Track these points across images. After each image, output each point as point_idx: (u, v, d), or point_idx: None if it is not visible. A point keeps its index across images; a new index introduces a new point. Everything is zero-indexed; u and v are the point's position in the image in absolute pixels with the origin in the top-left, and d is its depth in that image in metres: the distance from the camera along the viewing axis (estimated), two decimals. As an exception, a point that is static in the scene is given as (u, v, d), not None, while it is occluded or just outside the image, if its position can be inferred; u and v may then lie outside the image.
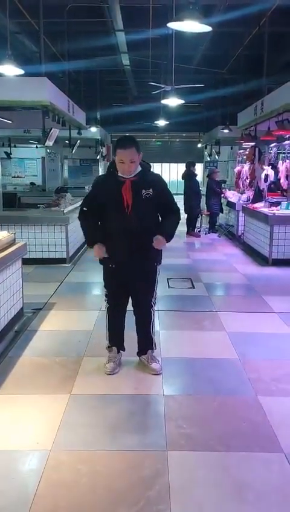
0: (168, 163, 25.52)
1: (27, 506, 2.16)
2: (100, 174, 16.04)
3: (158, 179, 3.46)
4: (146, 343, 3.62)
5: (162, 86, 10.11)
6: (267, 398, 3.15)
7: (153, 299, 3.55)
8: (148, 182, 3.30)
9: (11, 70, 5.78)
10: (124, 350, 3.66)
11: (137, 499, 2.21)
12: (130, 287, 3.51)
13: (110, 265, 3.44)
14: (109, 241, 3.36)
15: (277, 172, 9.37)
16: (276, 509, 2.19)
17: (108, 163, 18.25)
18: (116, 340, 3.62)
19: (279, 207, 7.71)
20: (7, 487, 2.30)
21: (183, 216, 10.43)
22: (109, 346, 3.63)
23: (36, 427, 2.82)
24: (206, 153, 16.90)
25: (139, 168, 3.30)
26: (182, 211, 10.28)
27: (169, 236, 3.37)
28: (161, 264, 3.55)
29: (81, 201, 3.61)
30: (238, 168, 11.81)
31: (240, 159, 11.95)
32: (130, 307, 3.61)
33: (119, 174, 3.27)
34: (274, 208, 7.81)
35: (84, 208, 3.45)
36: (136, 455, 2.55)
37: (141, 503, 2.18)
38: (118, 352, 3.62)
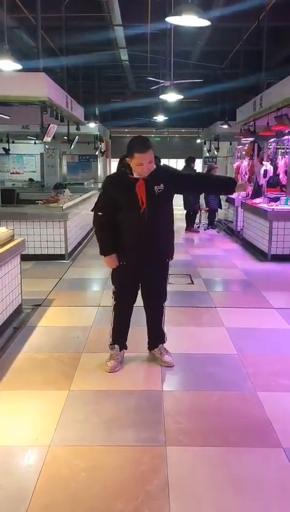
0: (167, 159, 25.47)
1: (26, 501, 2.17)
2: (99, 169, 16.02)
3: (165, 169, 3.51)
4: (158, 338, 3.67)
5: (161, 81, 10.08)
6: (266, 393, 3.15)
7: (164, 295, 3.60)
8: (158, 178, 3.26)
9: (8, 65, 5.74)
10: (126, 349, 3.64)
11: (136, 493, 2.21)
12: (142, 284, 3.50)
13: (122, 263, 3.40)
14: (122, 240, 3.34)
15: (276, 167, 9.36)
16: (274, 504, 2.19)
17: (108, 159, 18.14)
18: (120, 338, 3.59)
19: (278, 202, 7.71)
20: (6, 482, 2.30)
21: (182, 212, 10.43)
22: (111, 344, 3.60)
23: (35, 423, 2.83)
24: (205, 148, 16.87)
25: (154, 166, 3.27)
26: (181, 207, 10.35)
27: (230, 180, 3.63)
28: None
29: (94, 206, 3.38)
30: (237, 163, 11.78)
31: (239, 154, 11.92)
32: (136, 303, 3.59)
33: (135, 176, 3.22)
34: (273, 203, 7.80)
35: (99, 213, 3.36)
36: (135, 450, 2.55)
37: (140, 498, 2.18)
38: (120, 350, 3.60)
